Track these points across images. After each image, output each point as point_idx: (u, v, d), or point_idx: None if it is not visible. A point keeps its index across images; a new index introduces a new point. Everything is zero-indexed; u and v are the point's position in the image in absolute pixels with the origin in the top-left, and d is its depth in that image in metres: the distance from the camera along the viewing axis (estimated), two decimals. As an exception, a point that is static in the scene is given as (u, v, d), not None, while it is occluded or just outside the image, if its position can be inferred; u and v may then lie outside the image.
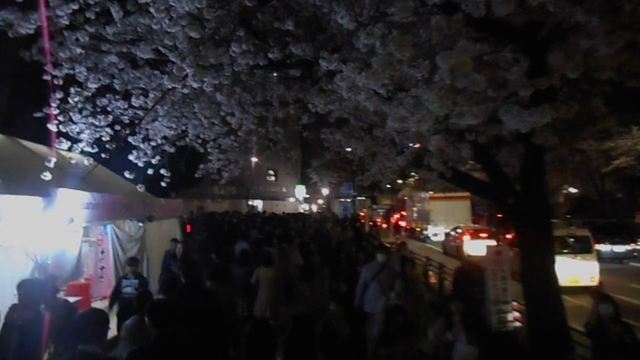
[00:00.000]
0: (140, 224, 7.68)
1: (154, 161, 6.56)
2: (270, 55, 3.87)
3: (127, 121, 6.36)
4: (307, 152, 41.28)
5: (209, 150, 8.08)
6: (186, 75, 3.48)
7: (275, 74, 5.75)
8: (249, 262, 7.98)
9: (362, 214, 32.37)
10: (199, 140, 8.04)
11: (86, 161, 5.93)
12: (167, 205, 9.61)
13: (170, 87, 3.87)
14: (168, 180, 6.79)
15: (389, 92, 3.20)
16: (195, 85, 3.46)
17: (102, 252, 7.32)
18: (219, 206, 32.69)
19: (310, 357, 4.60)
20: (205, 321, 4.69)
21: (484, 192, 5.76)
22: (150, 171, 6.55)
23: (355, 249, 9.70)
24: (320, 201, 53.61)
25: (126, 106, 5.94)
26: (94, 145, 5.97)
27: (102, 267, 7.24)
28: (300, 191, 45.65)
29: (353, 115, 4.52)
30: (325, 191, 44.27)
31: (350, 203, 41.96)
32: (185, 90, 4.41)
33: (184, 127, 7.59)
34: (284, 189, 44.61)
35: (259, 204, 39.42)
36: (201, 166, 8.33)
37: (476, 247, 18.61)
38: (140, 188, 5.97)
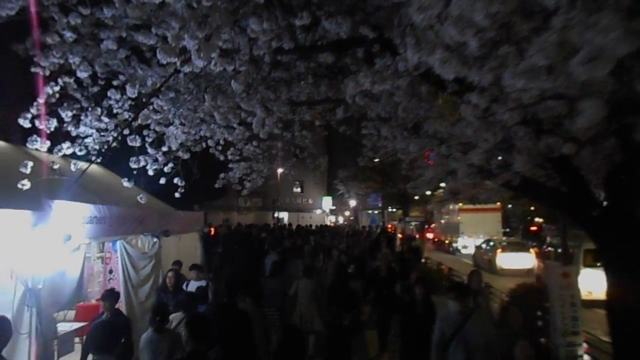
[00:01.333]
0: (155, 239, 6.95)
1: (166, 169, 5.82)
2: (298, 23, 3.06)
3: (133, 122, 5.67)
4: (333, 162, 40.45)
5: (230, 157, 7.35)
6: (186, 51, 2.71)
7: (302, 64, 4.93)
8: (281, 273, 7.88)
9: (390, 226, 31.19)
10: (219, 147, 7.34)
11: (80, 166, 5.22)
12: (185, 218, 8.89)
13: (165, 62, 3.11)
14: (182, 190, 6.02)
15: (483, 47, 2.23)
16: (200, 63, 2.69)
17: (111, 271, 6.61)
18: (245, 218, 32.12)
19: None
20: (239, 341, 4.55)
21: (559, 203, 4.73)
22: (162, 180, 5.81)
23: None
24: (347, 213, 52.49)
25: (131, 102, 5.23)
26: (100, 151, 5.28)
27: (113, 288, 6.51)
28: (327, 203, 44.65)
29: (407, 97, 3.54)
30: (352, 203, 43.19)
31: (377, 215, 40.78)
32: (189, 69, 3.62)
33: (201, 132, 6.90)
34: (310, 201, 43.71)
35: (284, 216, 38.69)
36: (222, 175, 7.60)
37: (510, 260, 18.66)
38: (141, 199, 5.23)
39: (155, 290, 6.99)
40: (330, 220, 45.14)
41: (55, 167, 4.41)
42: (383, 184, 29.97)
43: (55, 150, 4.68)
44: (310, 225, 22.90)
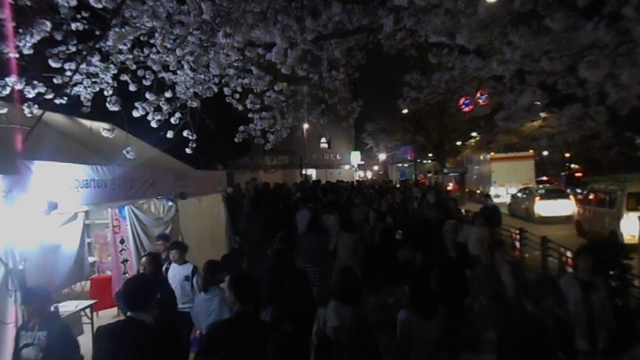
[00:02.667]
0: (170, 203, 6.14)
1: (173, 120, 4.88)
2: None
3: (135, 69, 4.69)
4: (360, 116, 38.97)
5: (249, 106, 6.35)
6: None
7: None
8: (319, 228, 7.63)
9: (421, 179, 29.99)
10: (236, 95, 6.35)
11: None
12: (205, 178, 8.06)
13: None
14: (194, 145, 5.09)
15: None
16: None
17: (122, 241, 5.87)
18: (272, 177, 31.51)
19: None
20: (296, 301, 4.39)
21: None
22: (170, 134, 4.88)
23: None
24: (376, 167, 51.29)
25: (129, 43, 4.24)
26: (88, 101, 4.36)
27: (126, 260, 5.80)
28: (356, 157, 43.45)
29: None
30: (381, 156, 41.93)
31: (408, 168, 39.48)
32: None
33: (214, 79, 5.91)
34: (338, 156, 42.56)
35: (312, 172, 37.89)
36: (241, 128, 6.63)
37: (549, 208, 18.59)
38: (129, 153, 4.31)
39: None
40: (359, 175, 44.13)
41: (29, 115, 3.52)
42: (416, 134, 28.55)
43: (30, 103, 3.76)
44: (342, 181, 21.93)
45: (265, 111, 6.58)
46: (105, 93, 4.61)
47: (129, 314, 2.83)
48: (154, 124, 4.65)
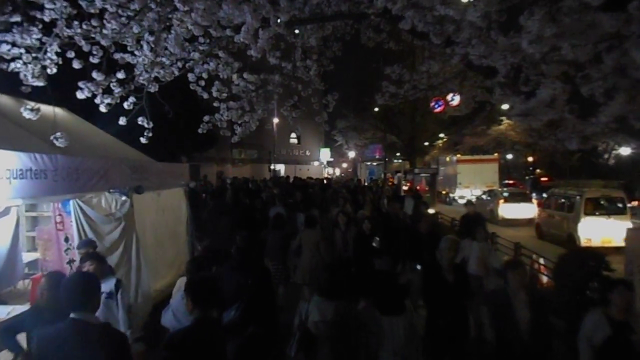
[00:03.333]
0: (124, 198, 5.57)
1: (126, 105, 4.32)
2: None
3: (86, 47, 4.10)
4: (331, 112, 38.64)
5: (215, 95, 5.84)
6: None
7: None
8: (283, 225, 7.75)
9: (389, 179, 29.94)
10: (201, 83, 5.84)
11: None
12: (166, 170, 7.48)
13: None
14: (149, 134, 4.55)
15: None
16: None
17: (67, 239, 5.25)
18: (239, 171, 30.78)
19: None
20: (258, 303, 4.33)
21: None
22: (122, 121, 4.32)
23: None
24: (345, 165, 51.16)
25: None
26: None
27: (72, 261, 5.17)
28: (325, 154, 43.15)
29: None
30: (351, 154, 41.78)
31: (377, 167, 39.47)
32: None
33: (176, 60, 5.38)
34: (307, 152, 42.17)
35: (281, 168, 37.33)
36: (205, 118, 6.10)
37: (512, 210, 19.25)
38: (58, 141, 3.75)
39: (129, 260, 5.71)
40: (327, 172, 43.87)
41: None
42: (387, 132, 28.42)
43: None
44: (311, 178, 21.52)
45: (233, 101, 6.10)
46: (49, 71, 4.03)
47: (71, 315, 2.62)
48: (103, 108, 4.09)
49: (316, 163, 42.30)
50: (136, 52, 4.77)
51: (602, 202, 13.20)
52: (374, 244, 6.16)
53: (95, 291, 2.80)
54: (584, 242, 12.43)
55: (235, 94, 6.06)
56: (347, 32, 6.36)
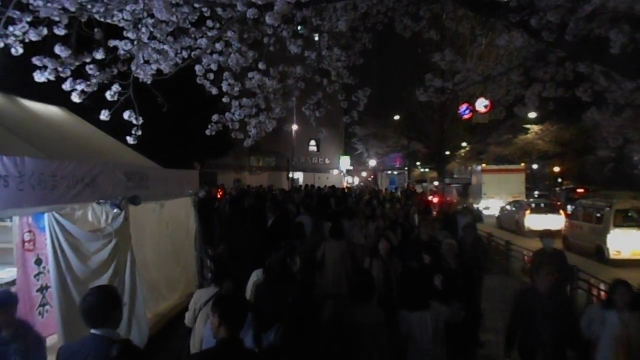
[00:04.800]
0: (115, 210, 4.69)
1: (110, 94, 3.44)
2: None
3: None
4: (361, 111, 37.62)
5: (225, 89, 4.97)
6: None
7: None
8: (303, 234, 7.41)
9: (411, 188, 28.67)
10: (210, 76, 5.01)
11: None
12: (171, 177, 6.61)
13: None
14: (138, 132, 3.66)
15: None
16: None
17: (39, 261, 4.36)
18: (257, 179, 30.03)
19: None
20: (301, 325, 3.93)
21: None
22: (104, 115, 3.44)
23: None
24: (364, 173, 49.98)
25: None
26: None
27: (45, 287, 4.26)
28: (345, 162, 42.04)
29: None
30: (371, 162, 40.61)
31: (398, 176, 38.25)
32: None
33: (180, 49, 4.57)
34: (327, 160, 41.06)
35: (299, 176, 36.43)
36: (214, 117, 5.22)
37: (539, 221, 18.35)
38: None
39: (122, 284, 4.84)
40: (347, 181, 42.78)
41: None
42: (412, 140, 27.30)
43: None
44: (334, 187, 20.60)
45: (247, 97, 5.20)
46: (13, 51, 3.18)
47: (92, 331, 2.68)
48: (75, 97, 3.22)
49: (335, 171, 41.21)
50: (130, 35, 3.91)
51: (631, 214, 12.98)
52: (435, 283, 4.54)
53: (115, 305, 2.80)
54: (613, 254, 12.30)
55: (249, 89, 5.17)
56: (380, 20, 5.42)
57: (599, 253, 12.73)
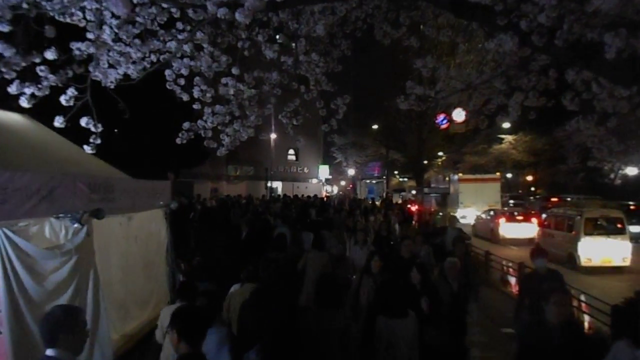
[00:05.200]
0: (76, 225, 4.34)
1: (65, 99, 3.13)
2: None
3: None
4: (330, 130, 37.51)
5: (197, 95, 4.70)
6: None
7: None
8: (285, 247, 7.14)
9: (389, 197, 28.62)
10: (180, 81, 4.76)
11: None
12: (140, 188, 6.25)
13: None
14: (97, 141, 3.35)
15: None
16: None
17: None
18: (235, 189, 29.54)
19: None
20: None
21: None
22: (58, 122, 3.12)
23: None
24: (343, 182, 49.89)
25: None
26: None
27: None
28: (324, 171, 41.83)
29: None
30: (350, 172, 40.52)
31: (377, 185, 38.26)
32: None
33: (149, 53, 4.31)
34: (305, 169, 40.78)
35: (278, 185, 36.04)
36: (185, 125, 4.95)
37: (513, 230, 19.33)
38: None
39: (83, 305, 4.47)
40: (326, 190, 42.57)
41: None
42: (391, 149, 27.27)
43: None
44: (310, 196, 20.33)
45: (220, 104, 4.93)
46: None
47: (46, 352, 2.56)
48: (24, 103, 2.91)
49: (314, 181, 40.99)
50: (90, 35, 3.61)
51: (600, 222, 13.38)
52: (422, 306, 4.32)
53: (70, 326, 2.59)
54: (584, 261, 12.72)
55: (222, 95, 4.91)
56: (359, 27, 5.24)
57: (571, 260, 13.09)
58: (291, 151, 39.53)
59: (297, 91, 4.96)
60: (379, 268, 5.44)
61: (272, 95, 4.83)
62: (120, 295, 5.77)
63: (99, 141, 3.34)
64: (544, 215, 21.63)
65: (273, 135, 29.06)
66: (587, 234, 12.98)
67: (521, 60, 3.97)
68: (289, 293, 5.74)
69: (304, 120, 5.29)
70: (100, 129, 3.30)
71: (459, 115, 22.34)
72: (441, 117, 21.35)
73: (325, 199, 22.21)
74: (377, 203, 19.86)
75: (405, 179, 34.88)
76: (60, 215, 4.32)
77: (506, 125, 36.73)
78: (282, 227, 8.99)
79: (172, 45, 4.36)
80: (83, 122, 3.21)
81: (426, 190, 24.76)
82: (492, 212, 21.54)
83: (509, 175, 43.00)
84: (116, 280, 5.60)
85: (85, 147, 3.34)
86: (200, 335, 2.73)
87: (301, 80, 4.84)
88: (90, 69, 3.15)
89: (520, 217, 20.13)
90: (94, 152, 3.37)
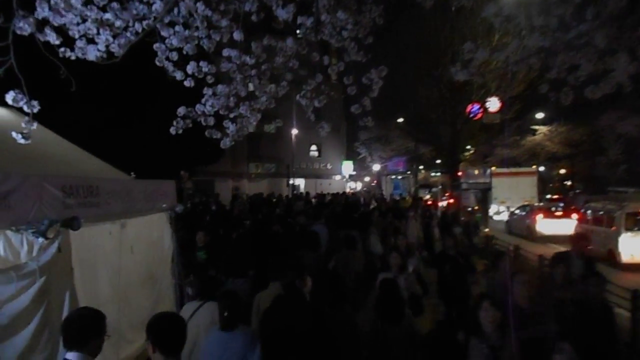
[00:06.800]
0: (41, 239, 3.41)
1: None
2: None
3: None
4: (352, 124, 36.34)
5: (190, 72, 3.72)
6: None
7: None
8: (318, 245, 6.91)
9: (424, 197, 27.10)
10: (173, 56, 3.82)
11: None
12: (136, 190, 5.31)
13: None
14: (33, 126, 2.38)
15: None
16: None
17: None
18: (257, 186, 28.73)
19: None
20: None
21: None
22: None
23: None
24: (367, 178, 48.55)
25: None
26: None
27: None
28: (348, 167, 40.55)
29: None
30: (375, 167, 39.18)
31: (402, 180, 36.78)
32: None
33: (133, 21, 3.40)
34: (328, 165, 39.59)
35: (300, 182, 35.06)
36: (180, 111, 3.97)
37: (551, 226, 18.14)
38: None
39: (48, 340, 3.57)
40: (349, 186, 41.35)
41: None
42: (421, 142, 25.71)
43: None
44: (336, 193, 19.32)
45: (221, 84, 3.91)
46: None
47: (67, 355, 2.51)
48: None
49: (338, 177, 39.82)
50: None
51: None
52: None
53: (94, 329, 2.65)
54: (625, 258, 12.19)
55: (225, 72, 3.90)
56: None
57: (611, 257, 12.53)
58: (313, 147, 38.44)
59: (319, 63, 3.89)
60: (398, 265, 5.13)
61: (287, 70, 3.78)
62: (111, 318, 4.82)
63: (34, 126, 2.36)
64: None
65: (295, 131, 28.06)
66: (629, 229, 12.43)
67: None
68: (319, 294, 4.82)
69: (326, 108, 4.24)
70: (36, 109, 2.32)
71: (493, 104, 20.91)
72: (474, 106, 19.92)
73: (350, 196, 21.10)
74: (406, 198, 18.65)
75: (438, 173, 33.18)
76: (21, 227, 3.39)
77: (540, 115, 34.90)
78: (318, 226, 8.50)
79: (157, 6, 3.40)
80: (9, 98, 2.24)
81: (464, 185, 23.02)
82: (527, 208, 20.52)
83: (541, 169, 41.17)
84: (106, 301, 4.65)
85: (14, 134, 2.37)
86: (176, 345, 2.62)
87: (323, 48, 3.77)
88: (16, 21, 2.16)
89: (558, 213, 19.11)
90: (28, 141, 2.38)
